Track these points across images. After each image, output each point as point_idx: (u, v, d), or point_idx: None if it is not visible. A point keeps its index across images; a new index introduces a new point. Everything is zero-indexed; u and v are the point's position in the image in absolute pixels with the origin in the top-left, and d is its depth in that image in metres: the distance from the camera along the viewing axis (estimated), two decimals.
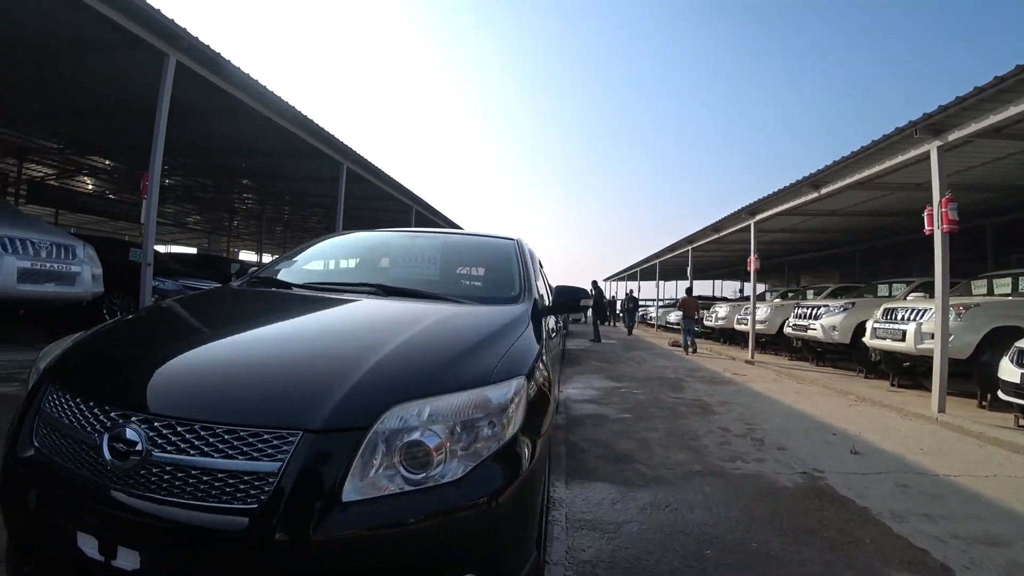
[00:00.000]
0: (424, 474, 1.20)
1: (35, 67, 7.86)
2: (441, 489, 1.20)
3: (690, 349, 12.42)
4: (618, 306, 28.32)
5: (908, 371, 7.20)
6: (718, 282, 31.91)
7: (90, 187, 17.06)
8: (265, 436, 1.16)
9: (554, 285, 2.72)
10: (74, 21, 6.13)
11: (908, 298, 7.88)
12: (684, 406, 5.62)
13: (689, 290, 14.13)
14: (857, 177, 7.17)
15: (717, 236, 13.81)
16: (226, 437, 1.16)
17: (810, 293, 12.28)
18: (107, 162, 14.21)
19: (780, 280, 22.60)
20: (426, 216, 17.59)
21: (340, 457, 1.16)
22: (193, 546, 1.11)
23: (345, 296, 2.13)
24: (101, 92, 8.54)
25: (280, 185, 15.40)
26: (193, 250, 27.01)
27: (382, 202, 15.16)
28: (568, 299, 2.56)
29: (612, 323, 28.24)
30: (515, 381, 1.44)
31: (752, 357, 10.78)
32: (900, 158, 6.23)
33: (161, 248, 24.67)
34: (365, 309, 1.98)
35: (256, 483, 1.12)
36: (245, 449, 1.15)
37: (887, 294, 9.38)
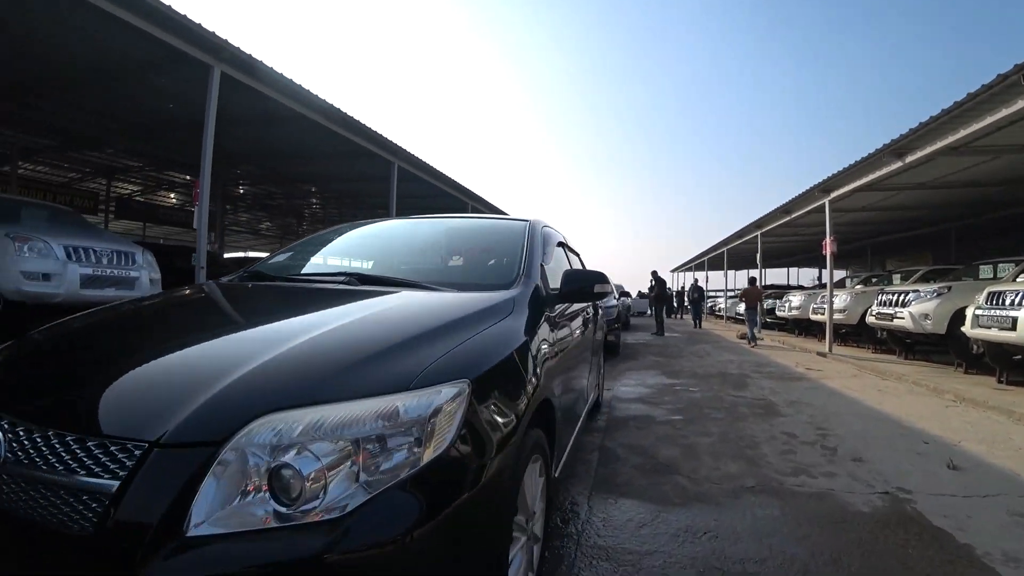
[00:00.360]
0: (298, 506, 0.92)
1: (106, 92, 8.51)
2: (318, 528, 0.90)
3: (756, 341, 11.86)
4: (685, 298, 27.08)
5: (1020, 365, 6.14)
6: (793, 269, 29.81)
7: (173, 200, 18.30)
8: (111, 448, 0.95)
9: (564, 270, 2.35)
10: (130, 46, 6.55)
11: (1018, 279, 6.74)
12: (745, 406, 5.03)
13: (753, 279, 13.23)
14: (950, 140, 6.17)
15: (788, 219, 12.68)
16: (73, 447, 0.96)
17: (896, 278, 10.97)
18: (186, 177, 15.22)
19: (862, 265, 20.69)
20: (482, 210, 17.57)
21: (189, 478, 0.90)
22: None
23: (314, 286, 1.98)
24: (171, 110, 9.05)
25: (339, 187, 15.88)
26: (266, 255, 28.57)
27: (438, 199, 15.33)
28: (578, 285, 2.19)
29: (679, 315, 27.04)
30: (447, 388, 1.11)
31: (829, 350, 9.77)
32: (1004, 112, 5.23)
33: (239, 254, 26.43)
34: (312, 301, 1.74)
35: (92, 504, 0.92)
36: (87, 462, 0.95)
37: (991, 276, 8.12)
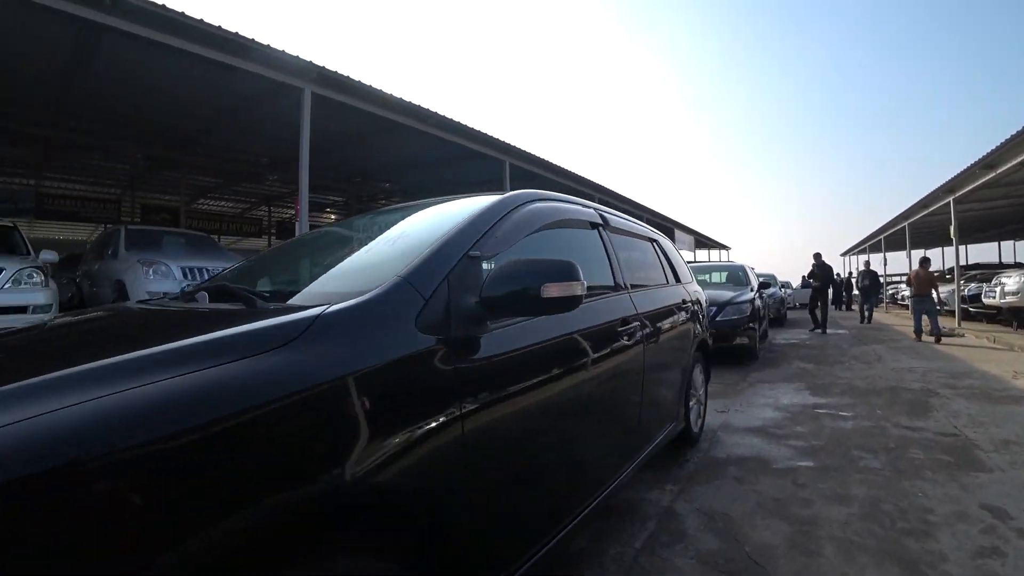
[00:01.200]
0: None
1: (236, 130, 9.51)
2: None
3: (935, 337, 9.61)
4: (855, 286, 22.80)
5: None
6: (1006, 244, 23.62)
7: (332, 217, 20.20)
8: None
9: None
10: (238, 84, 7.19)
11: None
12: (920, 446, 3.46)
13: (925, 260, 10.21)
14: None
15: (992, 175, 9.66)
16: None
17: None
18: (329, 196, 16.84)
19: None
20: (612, 203, 16.66)
21: None
22: None
23: (185, 307, 1.53)
24: (294, 137, 9.90)
25: (464, 191, 16.33)
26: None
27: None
28: (511, 288, 1.27)
29: (847, 307, 22.83)
30: None
31: None
32: None
33: None
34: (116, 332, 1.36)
35: None
36: None
37: None
